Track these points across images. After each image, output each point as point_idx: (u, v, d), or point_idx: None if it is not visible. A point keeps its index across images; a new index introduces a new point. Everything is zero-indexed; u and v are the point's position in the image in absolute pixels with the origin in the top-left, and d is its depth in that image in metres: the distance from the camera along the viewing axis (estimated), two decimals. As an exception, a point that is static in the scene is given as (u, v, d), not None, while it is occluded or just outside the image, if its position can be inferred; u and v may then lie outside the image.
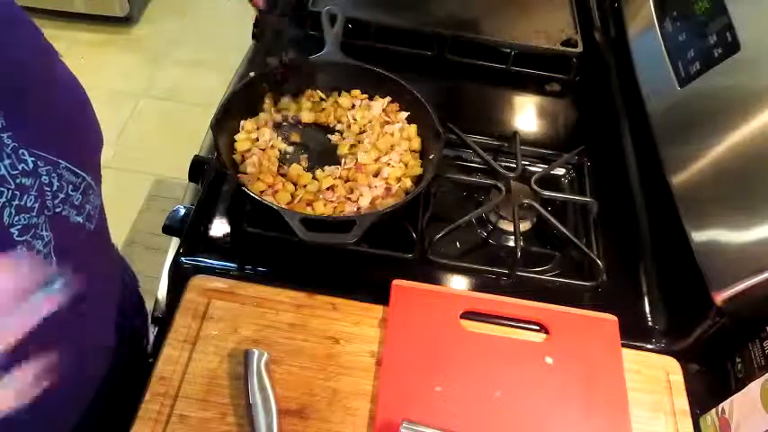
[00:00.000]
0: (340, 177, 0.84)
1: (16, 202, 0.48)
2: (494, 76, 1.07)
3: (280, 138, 0.87)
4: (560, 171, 0.95)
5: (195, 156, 0.94)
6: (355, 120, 0.90)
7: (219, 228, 0.81)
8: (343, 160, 0.86)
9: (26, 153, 0.49)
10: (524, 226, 0.86)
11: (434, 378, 0.70)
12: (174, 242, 0.85)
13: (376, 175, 0.84)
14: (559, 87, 1.08)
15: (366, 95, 0.93)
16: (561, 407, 0.69)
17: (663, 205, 0.84)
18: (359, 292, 0.77)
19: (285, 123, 0.89)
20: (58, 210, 0.53)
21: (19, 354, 0.41)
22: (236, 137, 0.86)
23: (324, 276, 0.79)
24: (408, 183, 0.84)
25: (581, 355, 0.73)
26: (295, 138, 0.88)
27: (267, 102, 0.90)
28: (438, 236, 0.80)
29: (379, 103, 0.91)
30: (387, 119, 0.90)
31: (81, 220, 0.56)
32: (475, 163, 0.94)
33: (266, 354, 0.67)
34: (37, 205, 0.50)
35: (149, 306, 0.90)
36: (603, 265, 0.81)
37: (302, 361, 0.70)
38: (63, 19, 2.55)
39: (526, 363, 0.72)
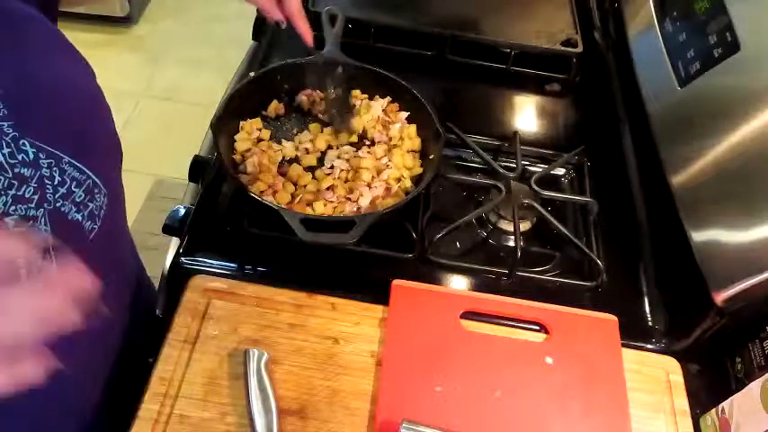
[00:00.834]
0: (339, 178, 0.84)
1: (13, 192, 0.48)
2: (494, 76, 1.07)
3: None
4: (560, 171, 0.95)
5: (195, 156, 0.94)
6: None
7: (219, 228, 0.81)
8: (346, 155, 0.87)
9: (27, 144, 0.49)
10: (524, 226, 0.86)
11: (434, 378, 0.70)
12: (174, 242, 0.85)
13: (378, 173, 0.84)
14: (559, 87, 1.08)
15: (366, 95, 0.93)
16: (561, 407, 0.69)
17: (663, 205, 0.84)
18: (359, 292, 0.77)
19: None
20: (58, 204, 0.52)
21: None
22: (236, 137, 0.86)
23: (324, 276, 0.79)
24: (408, 183, 0.84)
25: (581, 355, 0.73)
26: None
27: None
28: (438, 236, 0.80)
29: (379, 103, 0.91)
30: (387, 119, 0.90)
31: (80, 218, 0.55)
32: (475, 163, 0.94)
33: (266, 354, 0.67)
34: (36, 197, 0.50)
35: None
36: (603, 265, 0.81)
37: (302, 361, 0.70)
38: (63, 19, 2.51)
39: (526, 363, 0.72)
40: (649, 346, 0.77)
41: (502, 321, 0.76)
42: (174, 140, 1.88)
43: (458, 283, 0.81)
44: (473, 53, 1.07)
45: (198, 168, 0.92)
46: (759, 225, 0.70)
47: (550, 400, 0.70)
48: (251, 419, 0.63)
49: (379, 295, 0.75)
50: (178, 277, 0.77)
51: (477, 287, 0.80)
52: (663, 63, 0.91)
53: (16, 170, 0.48)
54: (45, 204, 0.51)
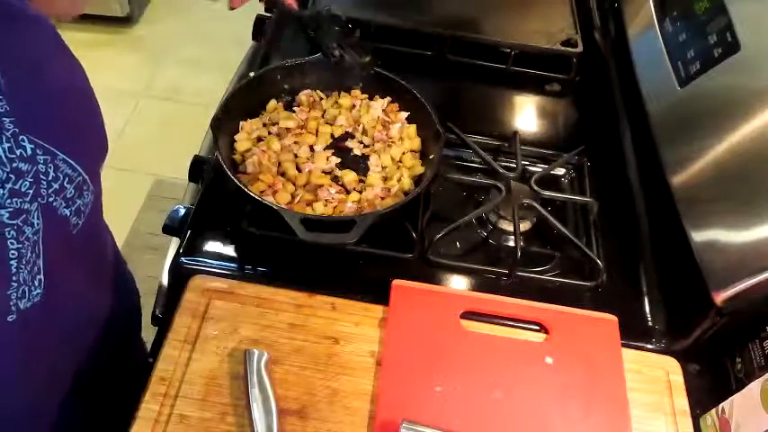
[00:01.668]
0: (338, 177, 0.84)
1: (10, 186, 0.49)
2: (494, 76, 1.07)
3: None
4: (560, 171, 0.95)
5: (195, 156, 0.94)
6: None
7: (219, 228, 0.81)
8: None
9: (26, 139, 0.50)
10: (524, 226, 0.86)
11: (434, 378, 0.70)
12: (174, 242, 0.85)
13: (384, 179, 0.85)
14: (559, 87, 1.08)
15: (366, 95, 0.93)
16: (561, 407, 0.69)
17: (663, 205, 0.84)
18: (359, 292, 0.77)
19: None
20: (50, 199, 0.54)
21: None
22: (236, 137, 0.86)
23: (324, 276, 0.79)
24: (408, 183, 0.84)
25: (581, 355, 0.73)
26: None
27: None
28: (438, 236, 0.80)
29: (379, 103, 0.91)
30: (387, 119, 0.90)
31: (68, 213, 0.57)
32: (475, 163, 0.94)
33: (266, 354, 0.67)
34: (31, 192, 0.51)
35: (149, 306, 0.90)
36: (603, 265, 0.81)
37: (302, 361, 0.70)
38: (63, 19, 2.55)
39: (526, 363, 0.72)
40: (649, 346, 0.77)
41: (502, 321, 0.76)
42: (173, 140, 1.88)
43: (458, 283, 0.81)
44: (473, 53, 1.07)
45: (198, 168, 0.92)
46: (759, 225, 0.70)
47: (550, 400, 0.70)
48: (251, 419, 0.63)
49: (379, 295, 0.75)
50: (178, 277, 0.77)
51: (477, 287, 0.80)
52: (663, 63, 0.91)
53: (14, 165, 0.49)
54: (39, 199, 0.52)
